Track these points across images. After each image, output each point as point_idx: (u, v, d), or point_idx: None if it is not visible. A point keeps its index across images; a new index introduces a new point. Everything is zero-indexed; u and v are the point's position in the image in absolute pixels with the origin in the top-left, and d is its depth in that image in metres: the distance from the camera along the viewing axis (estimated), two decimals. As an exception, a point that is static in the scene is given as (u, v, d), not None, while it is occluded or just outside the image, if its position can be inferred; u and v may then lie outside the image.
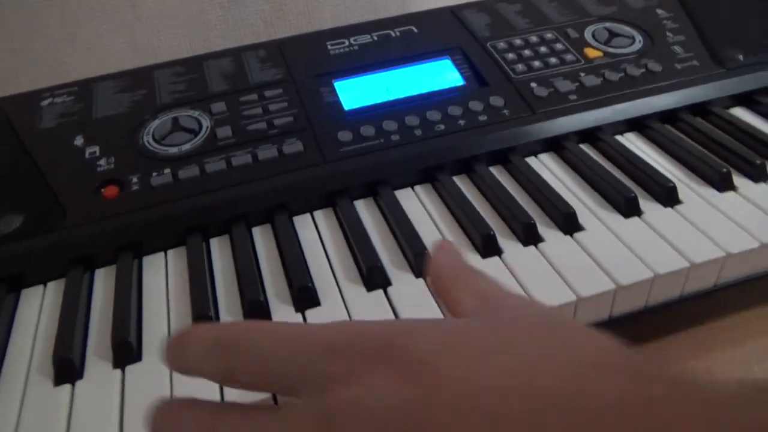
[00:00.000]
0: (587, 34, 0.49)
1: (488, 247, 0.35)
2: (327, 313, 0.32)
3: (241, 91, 0.44)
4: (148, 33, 0.59)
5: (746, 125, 0.43)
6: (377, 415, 0.16)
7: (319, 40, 0.49)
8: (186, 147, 0.40)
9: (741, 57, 0.47)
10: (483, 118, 0.42)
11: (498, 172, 0.41)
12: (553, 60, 0.47)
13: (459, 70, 0.47)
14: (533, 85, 0.44)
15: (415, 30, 0.50)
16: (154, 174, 0.38)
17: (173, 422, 0.20)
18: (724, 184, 0.38)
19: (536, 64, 0.46)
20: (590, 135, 0.43)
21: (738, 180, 0.38)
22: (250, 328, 0.20)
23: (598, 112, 0.43)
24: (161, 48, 0.60)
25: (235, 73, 0.46)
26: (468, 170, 0.41)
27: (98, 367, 0.30)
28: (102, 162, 0.39)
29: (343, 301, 0.32)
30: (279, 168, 0.39)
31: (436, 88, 0.45)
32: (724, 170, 0.38)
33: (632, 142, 0.43)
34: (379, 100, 0.44)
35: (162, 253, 0.37)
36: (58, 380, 0.29)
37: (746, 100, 0.46)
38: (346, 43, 0.49)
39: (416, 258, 0.34)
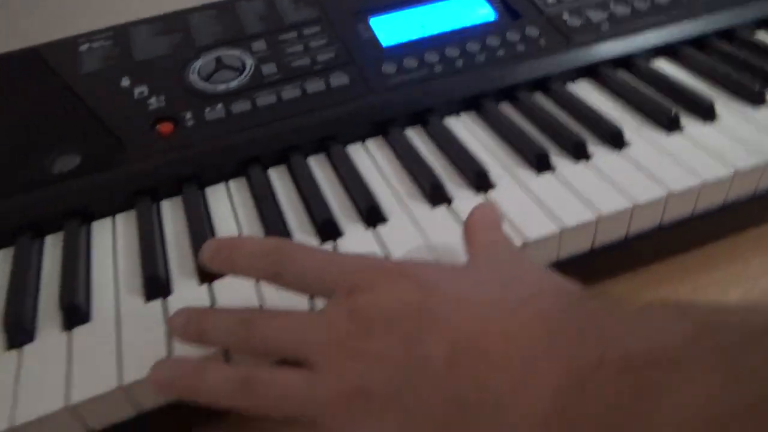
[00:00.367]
0: (612, -34, 0.50)
1: (542, 165, 0.36)
2: (396, 229, 0.33)
3: (279, 30, 0.45)
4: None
5: (772, 46, 0.44)
6: (392, 310, 0.22)
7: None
8: (234, 84, 0.41)
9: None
10: (521, 48, 0.43)
11: (540, 98, 0.42)
12: (583, -10, 0.47)
13: (490, 4, 0.47)
14: (566, 16, 0.45)
15: (444, -33, 0.51)
16: (207, 109, 0.39)
17: (205, 325, 0.25)
18: (756, 98, 0.40)
19: (566, -5, 0.47)
20: (624, 62, 0.44)
21: (770, 95, 0.40)
22: (295, 244, 0.26)
23: (631, 39, 0.44)
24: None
25: (268, 14, 0.47)
26: (511, 98, 0.42)
27: (184, 283, 0.31)
28: (152, 101, 0.40)
29: (409, 218, 0.34)
30: (328, 100, 0.40)
31: (469, 24, 0.46)
32: (756, 88, 0.40)
33: (665, 66, 0.45)
34: (415, 36, 0.45)
35: (223, 184, 0.38)
36: (150, 296, 0.30)
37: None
38: (377, -19, 0.49)
39: (476, 175, 0.35)
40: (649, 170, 0.35)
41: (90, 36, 0.45)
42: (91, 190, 0.36)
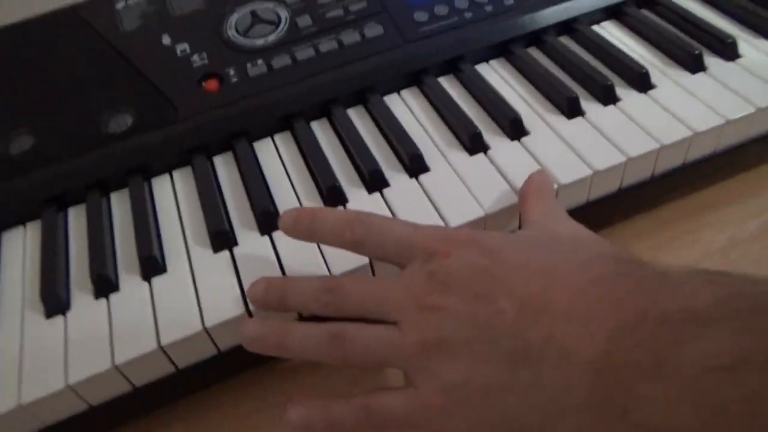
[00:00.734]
0: None
1: (573, 110, 0.38)
2: (438, 178, 0.35)
3: (310, -21, 0.45)
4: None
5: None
6: (464, 272, 0.26)
7: None
8: (271, 38, 0.42)
9: None
10: (548, -10, 0.44)
11: (567, 41, 0.43)
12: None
13: (516, -57, 0.47)
14: (591, -47, 0.46)
15: None
16: (249, 65, 0.41)
17: (286, 292, 0.28)
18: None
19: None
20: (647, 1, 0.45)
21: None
22: (374, 215, 0.30)
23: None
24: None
25: (297, -38, 0.47)
26: (539, 42, 0.43)
27: (248, 234, 0.34)
28: (195, 58, 0.41)
29: (450, 167, 0.36)
30: (364, 51, 0.41)
31: (495, -35, 0.46)
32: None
33: (688, 4, 0.45)
34: (444, -20, 0.45)
35: (269, 138, 0.40)
36: (218, 248, 0.34)
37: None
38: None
39: (511, 123, 0.37)
40: (676, 112, 0.37)
41: (124, -8, 0.46)
42: (146, 148, 0.38)
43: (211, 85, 0.40)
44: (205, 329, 0.30)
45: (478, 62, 0.43)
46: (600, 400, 0.22)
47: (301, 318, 0.32)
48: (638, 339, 0.21)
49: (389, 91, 0.42)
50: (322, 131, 0.40)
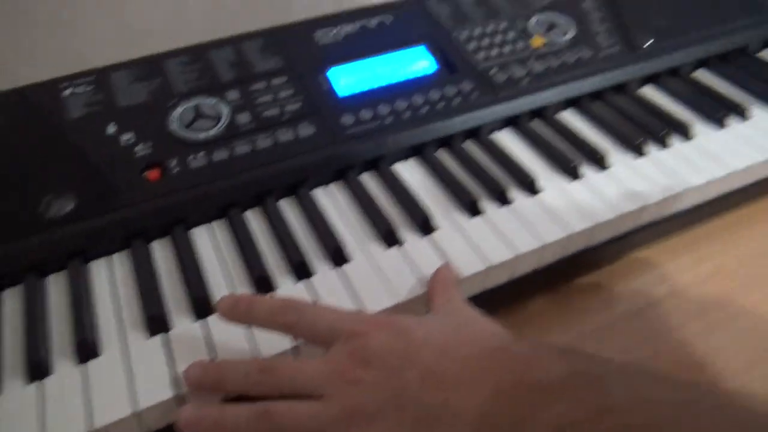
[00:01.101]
0: (531, 24, 0.59)
1: (474, 209, 0.45)
2: (358, 268, 0.41)
3: (249, 79, 0.51)
4: (129, 14, 0.62)
5: (653, 101, 0.55)
6: (381, 351, 0.31)
7: (307, 29, 0.56)
8: (213, 132, 0.47)
9: (649, 43, 0.59)
10: (457, 101, 0.51)
11: (471, 145, 0.51)
12: (507, 49, 0.56)
13: (431, 57, 0.55)
14: (493, 71, 0.54)
15: (390, 20, 0.58)
16: (191, 157, 0.45)
17: (221, 375, 0.32)
18: (637, 150, 0.50)
19: (494, 52, 0.56)
20: (539, 113, 0.54)
21: (650, 146, 0.51)
22: (305, 302, 0.35)
23: (544, 94, 0.54)
24: (141, 29, 0.64)
25: (238, 61, 0.52)
26: (448, 145, 0.51)
27: (183, 318, 0.38)
28: (139, 147, 0.45)
29: (369, 257, 0.41)
30: (297, 149, 0.46)
31: (414, 74, 0.53)
32: (639, 140, 0.50)
33: (571, 117, 0.54)
34: (369, 86, 0.52)
35: (206, 225, 0.44)
36: (152, 332, 0.37)
37: (654, 78, 0.59)
38: (332, 33, 0.56)
39: (422, 221, 0.43)
40: (554, 215, 0.44)
41: (71, 80, 0.49)
42: (86, 233, 0.41)
43: (153, 174, 0.44)
44: (138, 411, 0.33)
45: (397, 161, 0.49)
46: None
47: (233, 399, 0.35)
48: (508, 403, 0.28)
49: (318, 185, 0.47)
50: (255, 220, 0.44)
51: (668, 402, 0.27)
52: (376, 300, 0.38)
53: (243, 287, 0.40)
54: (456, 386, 0.29)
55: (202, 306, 0.38)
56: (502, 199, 0.46)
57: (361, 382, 0.30)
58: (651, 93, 0.57)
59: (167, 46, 0.54)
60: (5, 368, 0.35)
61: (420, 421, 0.29)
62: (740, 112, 0.54)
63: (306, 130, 0.47)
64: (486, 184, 0.47)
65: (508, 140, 0.52)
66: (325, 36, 0.56)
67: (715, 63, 0.60)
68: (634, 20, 0.60)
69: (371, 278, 0.40)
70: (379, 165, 0.48)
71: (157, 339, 0.36)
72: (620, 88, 0.57)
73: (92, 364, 0.35)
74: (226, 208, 0.44)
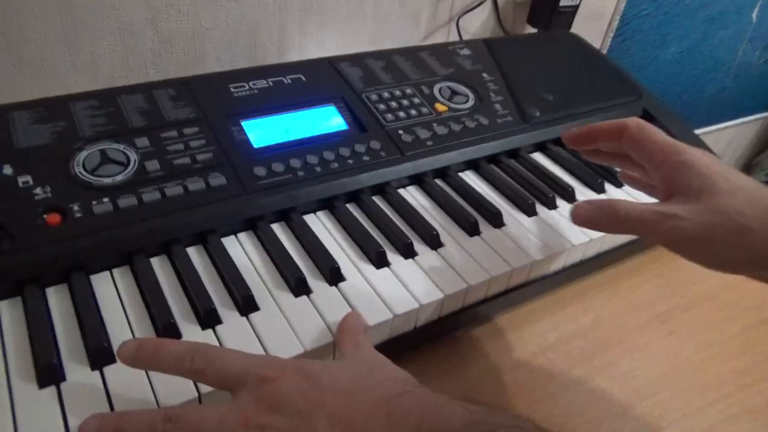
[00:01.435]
0: (435, 91, 0.64)
1: (380, 261, 0.47)
2: (266, 317, 0.41)
3: (160, 127, 0.51)
4: (32, 52, 0.61)
5: (542, 166, 0.61)
6: (289, 396, 0.31)
7: (222, 81, 0.57)
8: (119, 178, 0.46)
9: (538, 115, 0.66)
10: (366, 158, 0.54)
11: (378, 201, 0.53)
12: (413, 112, 0.60)
13: (342, 116, 0.58)
14: (401, 132, 0.58)
15: (303, 78, 0.61)
16: (94, 203, 0.44)
17: (121, 426, 0.31)
18: (529, 211, 0.55)
19: (401, 114, 0.60)
20: (441, 172, 0.58)
21: (539, 207, 0.56)
22: (213, 347, 0.34)
23: (446, 155, 0.58)
24: (44, 68, 0.62)
25: (150, 109, 0.52)
26: (357, 199, 0.53)
27: (77, 368, 0.36)
28: (38, 191, 0.43)
29: (277, 306, 0.42)
30: (207, 198, 0.47)
31: (325, 131, 0.56)
32: (531, 201, 0.55)
33: (470, 178, 0.59)
34: (281, 140, 0.54)
35: (107, 272, 0.43)
36: (44, 383, 0.35)
37: (542, 146, 0.65)
38: (247, 87, 0.58)
39: (331, 271, 0.44)
40: (455, 268, 0.47)
41: (-35, 117, 0.47)
42: (-25, 277, 0.39)
43: (53, 218, 0.42)
44: (26, 468, 0.31)
45: (307, 213, 0.51)
46: None
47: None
48: None
49: (227, 234, 0.47)
50: (161, 267, 0.44)
51: None
52: (284, 348, 0.39)
53: (146, 335, 0.39)
54: (364, 426, 0.30)
55: (99, 356, 0.36)
56: (408, 252, 0.48)
57: (268, 427, 0.30)
58: (540, 159, 0.64)
59: (73, 89, 0.53)
60: None
61: None
62: (617, 179, 0.61)
63: (217, 179, 0.48)
64: (391, 238, 0.49)
65: (413, 196, 0.55)
66: (240, 89, 0.57)
67: (593, 135, 0.68)
68: (524, 95, 0.67)
69: (279, 326, 0.40)
70: (290, 216, 0.49)
71: (50, 390, 0.34)
72: (514, 153, 0.63)
73: (-29, 420, 0.32)
74: (130, 255, 0.43)
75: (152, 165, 0.47)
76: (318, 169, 0.52)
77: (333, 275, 0.45)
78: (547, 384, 0.48)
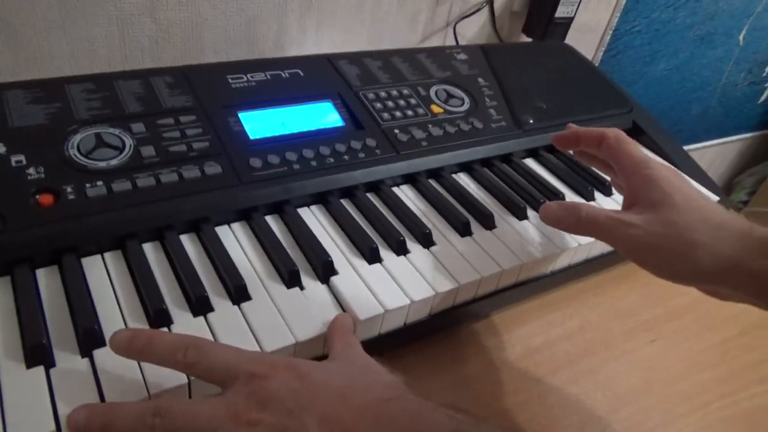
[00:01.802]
0: (432, 93, 0.65)
1: (373, 257, 0.47)
2: (258, 307, 0.41)
3: (157, 114, 0.50)
4: (30, 35, 0.60)
5: (534, 172, 0.62)
6: (279, 393, 0.31)
7: (220, 72, 0.57)
8: (114, 162, 0.46)
9: (531, 122, 0.67)
10: (362, 155, 0.54)
11: (372, 198, 0.54)
12: (409, 112, 0.61)
13: (339, 113, 0.58)
14: (396, 131, 0.58)
15: (302, 73, 0.61)
16: (88, 185, 0.43)
17: (110, 419, 0.31)
18: (520, 214, 0.56)
19: (397, 114, 0.60)
20: (435, 173, 0.58)
21: (530, 211, 0.56)
22: (206, 340, 0.34)
23: (441, 156, 0.58)
24: (41, 52, 0.61)
25: (146, 95, 0.52)
26: (351, 195, 0.53)
27: (66, 350, 0.35)
28: (31, 171, 0.43)
29: (269, 296, 0.42)
30: (202, 186, 0.46)
31: (322, 127, 0.56)
32: (522, 205, 0.56)
33: (463, 180, 0.59)
34: (278, 133, 0.54)
35: (98, 256, 0.42)
36: (32, 363, 0.34)
37: (535, 153, 0.66)
38: (245, 78, 0.58)
39: (323, 265, 0.45)
40: (446, 267, 0.48)
41: (-42, 93, 0.46)
42: (-36, 255, 0.38)
43: (46, 199, 0.42)
44: (11, 447, 0.30)
45: (301, 206, 0.51)
46: None
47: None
48: None
49: (221, 223, 0.47)
50: (153, 253, 0.43)
51: None
52: (275, 339, 0.39)
53: (137, 320, 0.38)
54: (354, 427, 0.30)
55: (89, 339, 0.36)
56: (400, 249, 0.48)
57: (259, 423, 0.30)
58: (532, 165, 0.64)
59: (69, 72, 0.53)
60: None
61: None
62: (607, 188, 0.62)
63: (212, 168, 0.48)
64: (384, 235, 0.49)
65: (406, 195, 0.55)
66: (238, 80, 0.57)
67: (585, 144, 0.69)
68: (518, 101, 0.68)
69: (271, 317, 0.40)
70: (284, 209, 0.49)
71: (37, 371, 0.34)
72: (506, 158, 0.63)
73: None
74: (123, 240, 0.43)
75: (148, 151, 0.47)
76: (314, 163, 0.52)
77: (326, 269, 0.45)
78: (531, 387, 0.48)
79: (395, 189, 0.56)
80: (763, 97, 1.57)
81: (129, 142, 0.47)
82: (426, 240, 0.50)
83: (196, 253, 0.44)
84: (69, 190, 0.43)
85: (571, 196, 0.60)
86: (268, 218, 0.49)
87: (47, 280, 0.40)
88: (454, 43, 0.89)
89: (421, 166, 0.57)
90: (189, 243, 0.45)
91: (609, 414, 0.48)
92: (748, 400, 0.51)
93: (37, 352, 0.34)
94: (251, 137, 0.52)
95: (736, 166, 1.78)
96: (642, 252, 0.40)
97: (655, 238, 0.39)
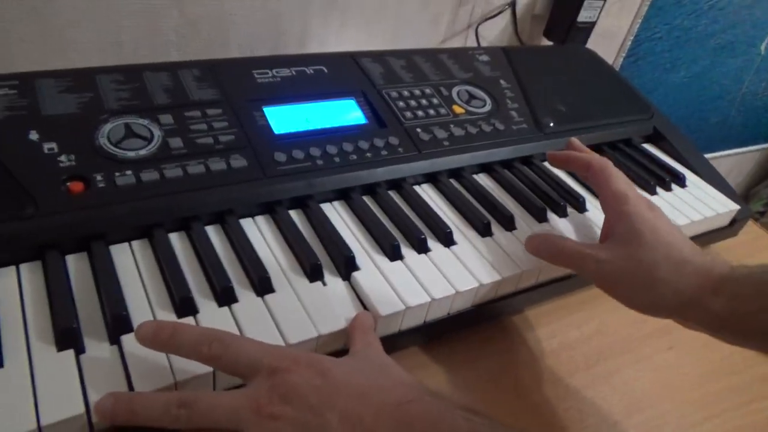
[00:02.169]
0: (454, 93, 0.65)
1: (395, 253, 0.47)
2: (281, 300, 0.41)
3: (184, 106, 0.51)
4: (60, 25, 0.61)
5: (554, 175, 0.62)
6: (301, 388, 0.32)
7: (246, 67, 0.58)
8: (142, 152, 0.46)
9: (552, 125, 0.67)
10: (384, 153, 0.55)
11: (394, 195, 0.54)
12: (431, 112, 0.61)
13: (362, 110, 0.59)
14: (418, 130, 0.58)
15: (326, 70, 0.61)
16: (117, 174, 0.44)
17: (134, 407, 0.31)
18: (540, 216, 0.56)
19: (420, 113, 0.60)
20: (456, 173, 0.59)
21: (549, 214, 0.57)
22: (230, 334, 0.35)
23: (462, 156, 0.59)
24: (70, 41, 0.62)
25: (174, 87, 0.53)
26: (372, 192, 0.53)
27: (95, 335, 0.36)
28: (63, 159, 0.44)
29: (292, 289, 0.42)
30: (228, 179, 0.47)
31: (345, 124, 0.57)
32: (542, 207, 0.56)
33: (484, 180, 0.60)
34: (302, 128, 0.54)
35: (126, 244, 0.43)
36: (62, 346, 0.35)
37: (554, 157, 0.66)
38: (270, 73, 0.58)
39: (346, 260, 0.45)
40: (467, 267, 0.48)
41: (-7, 80, 0.47)
42: (-4, 238, 0.39)
43: (76, 186, 0.42)
44: (40, 427, 0.31)
45: (324, 202, 0.51)
46: None
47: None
48: None
49: (245, 216, 0.48)
50: (179, 243, 0.44)
51: None
52: (297, 332, 0.39)
53: (163, 308, 0.39)
54: (373, 426, 0.31)
55: (118, 324, 0.36)
56: (421, 247, 0.49)
57: (281, 417, 0.31)
58: (553, 168, 0.64)
59: (96, 64, 0.53)
60: None
61: None
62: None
63: (238, 161, 0.48)
64: (405, 232, 0.50)
65: (427, 194, 0.56)
66: (264, 76, 0.58)
67: (605, 149, 0.69)
68: (539, 104, 0.68)
69: (294, 310, 0.41)
70: (307, 203, 0.50)
71: (67, 354, 0.34)
72: (527, 160, 0.63)
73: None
74: (150, 229, 0.43)
75: (175, 142, 0.48)
76: (337, 159, 0.52)
77: (348, 264, 0.45)
78: (548, 388, 0.48)
79: (416, 187, 0.56)
80: (782, 108, 1.56)
81: (157, 133, 0.48)
82: (447, 239, 0.50)
83: (221, 244, 0.45)
84: (99, 178, 0.43)
85: (591, 200, 0.60)
86: (292, 212, 0.49)
87: (77, 266, 0.40)
88: (475, 44, 0.89)
89: (443, 166, 0.57)
90: (214, 234, 0.45)
91: (625, 418, 0.48)
92: (765, 410, 0.51)
93: (67, 336, 0.35)
94: (276, 132, 0.53)
95: (754, 176, 1.77)
96: (611, 284, 0.44)
97: (622, 274, 0.43)
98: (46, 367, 0.34)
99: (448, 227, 0.51)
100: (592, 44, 0.92)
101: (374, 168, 0.53)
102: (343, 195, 0.52)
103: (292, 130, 0.54)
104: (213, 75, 0.55)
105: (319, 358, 0.34)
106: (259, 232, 0.47)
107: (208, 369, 0.35)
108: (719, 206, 0.64)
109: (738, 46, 1.29)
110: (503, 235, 0.53)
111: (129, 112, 0.49)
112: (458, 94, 0.65)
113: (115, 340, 0.36)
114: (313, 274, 0.44)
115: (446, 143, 0.58)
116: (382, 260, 0.47)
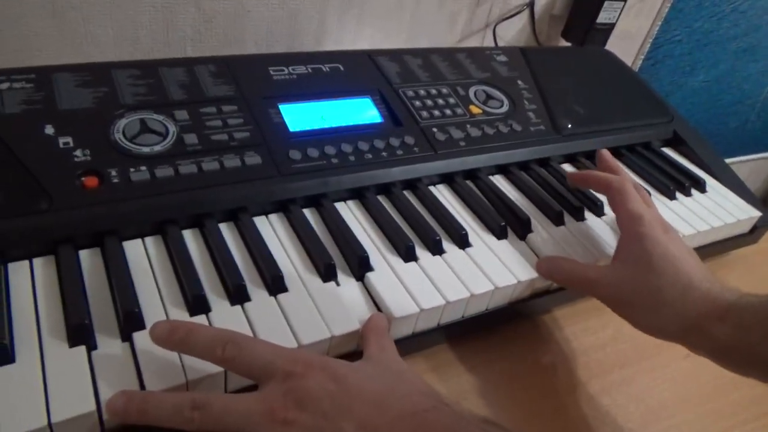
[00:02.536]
0: (471, 93, 0.64)
1: (410, 255, 0.47)
2: (294, 300, 0.41)
3: (200, 102, 0.51)
4: (77, 20, 0.61)
5: (572, 179, 0.61)
6: (318, 395, 0.31)
7: (262, 63, 0.57)
8: (157, 148, 0.46)
9: (570, 126, 0.66)
10: (400, 152, 0.54)
11: (409, 195, 0.53)
12: (448, 111, 0.60)
13: (378, 109, 0.58)
14: (434, 130, 0.58)
15: (342, 68, 0.61)
16: (132, 170, 0.44)
17: (146, 406, 0.31)
18: (557, 220, 0.55)
19: (436, 113, 0.60)
20: (472, 173, 0.58)
21: (567, 217, 0.56)
22: (245, 336, 0.35)
23: (478, 157, 0.58)
24: (87, 36, 0.62)
25: (189, 83, 0.52)
26: (387, 192, 0.53)
27: (106, 332, 0.36)
28: (78, 153, 0.43)
29: (305, 289, 0.42)
30: (242, 176, 0.47)
31: (360, 122, 0.56)
32: (559, 210, 0.55)
33: (500, 182, 0.59)
34: (317, 126, 0.54)
35: (140, 240, 0.43)
36: (74, 342, 0.35)
37: (573, 158, 0.65)
38: (286, 71, 0.58)
39: (360, 261, 0.44)
40: (483, 268, 0.47)
41: (10, 74, 0.47)
42: (10, 233, 0.39)
43: (91, 181, 0.42)
44: (51, 424, 0.31)
45: (338, 201, 0.51)
46: None
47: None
48: None
49: (259, 214, 0.47)
50: (193, 240, 0.44)
51: None
52: (310, 332, 0.39)
53: (176, 306, 0.38)
54: None
55: (131, 320, 0.36)
56: (436, 249, 0.48)
57: (294, 423, 0.30)
58: (570, 170, 0.63)
59: (112, 59, 0.53)
60: None
61: None
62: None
63: (253, 159, 0.48)
64: (420, 233, 0.49)
65: (442, 195, 0.55)
66: (279, 73, 0.57)
67: (624, 152, 0.68)
68: (557, 106, 0.67)
69: (307, 310, 0.40)
70: (321, 202, 0.49)
71: (79, 350, 0.34)
72: (544, 162, 0.63)
73: (4, 371, 0.32)
74: (163, 225, 0.43)
75: (190, 138, 0.47)
76: (352, 158, 0.52)
77: (362, 264, 0.44)
78: (564, 394, 0.48)
79: (432, 188, 0.55)
80: (803, 113, 1.53)
81: (172, 128, 0.48)
82: (462, 241, 0.49)
83: (234, 242, 0.44)
84: (113, 173, 0.43)
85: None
86: (306, 211, 0.49)
87: (90, 262, 0.40)
88: (492, 44, 0.88)
89: (459, 167, 0.57)
90: (227, 232, 0.45)
91: (641, 428, 0.47)
92: (785, 422, 0.50)
93: (79, 332, 0.35)
94: (291, 129, 0.52)
95: (771, 182, 1.74)
96: (618, 305, 0.45)
97: (629, 295, 0.44)
98: (58, 363, 0.33)
99: (464, 229, 0.50)
100: (610, 46, 0.90)
101: (389, 167, 0.53)
102: (358, 194, 0.52)
103: (308, 127, 0.53)
104: (229, 71, 0.55)
105: (332, 363, 0.34)
106: (273, 230, 0.46)
107: (220, 369, 0.35)
108: (740, 213, 0.63)
109: (760, 50, 1.27)
110: (514, 239, 0.52)
111: (144, 107, 0.49)
112: (475, 94, 0.64)
113: (127, 337, 0.36)
114: (327, 273, 0.43)
115: (462, 144, 0.58)
116: (397, 261, 0.46)
